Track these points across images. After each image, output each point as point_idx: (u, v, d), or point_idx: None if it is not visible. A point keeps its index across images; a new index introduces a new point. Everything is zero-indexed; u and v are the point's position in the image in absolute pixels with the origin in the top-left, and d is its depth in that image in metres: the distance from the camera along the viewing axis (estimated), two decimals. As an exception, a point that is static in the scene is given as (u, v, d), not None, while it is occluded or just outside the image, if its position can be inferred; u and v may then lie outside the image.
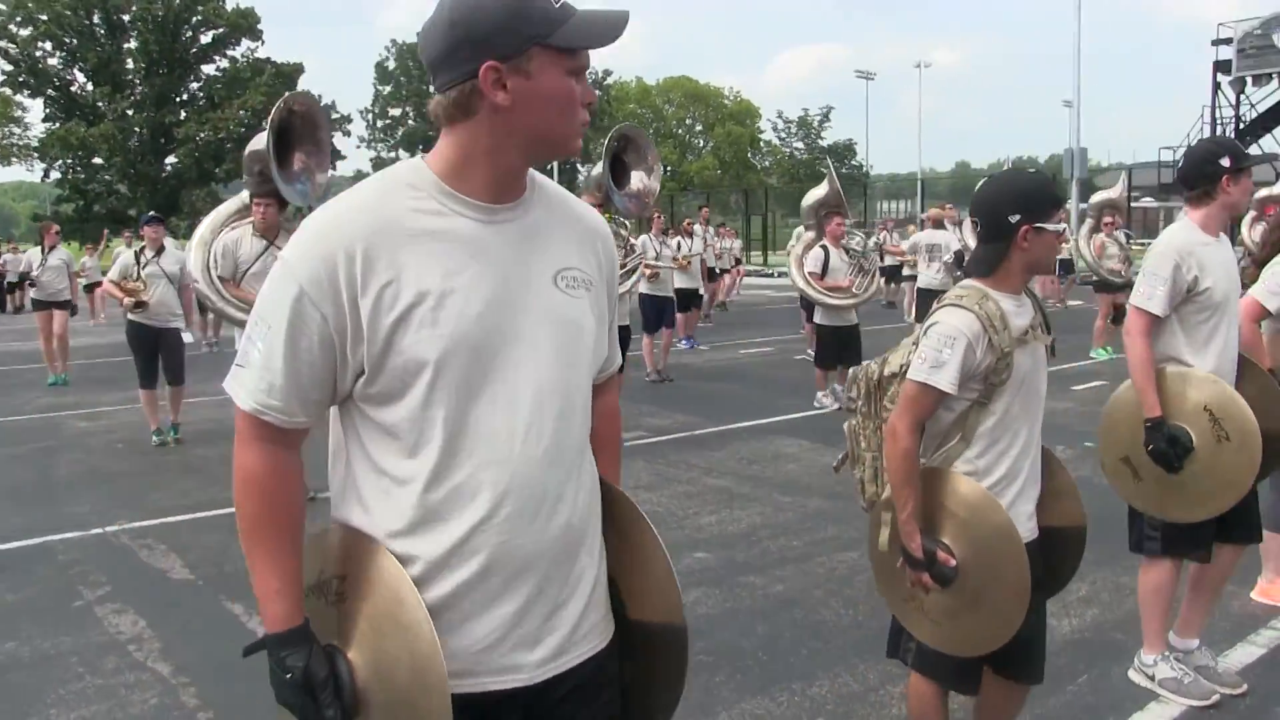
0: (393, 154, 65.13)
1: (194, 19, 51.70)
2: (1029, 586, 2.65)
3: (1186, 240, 3.67)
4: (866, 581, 5.20)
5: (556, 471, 1.71)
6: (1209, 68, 31.90)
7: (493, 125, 1.62)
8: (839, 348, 9.99)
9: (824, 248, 10.04)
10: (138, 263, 8.83)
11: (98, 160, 49.18)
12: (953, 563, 2.72)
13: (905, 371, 2.84)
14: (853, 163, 69.24)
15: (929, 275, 12.25)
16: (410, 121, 64.16)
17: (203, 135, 49.60)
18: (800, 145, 72.75)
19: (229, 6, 52.49)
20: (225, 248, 6.64)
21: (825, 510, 6.53)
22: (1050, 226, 2.75)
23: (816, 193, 10.31)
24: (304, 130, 6.75)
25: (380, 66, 64.74)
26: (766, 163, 76.99)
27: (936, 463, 2.81)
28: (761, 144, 77.20)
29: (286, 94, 6.73)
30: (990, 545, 2.69)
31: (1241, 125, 31.54)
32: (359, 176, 65.14)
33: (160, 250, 8.96)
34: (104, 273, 21.18)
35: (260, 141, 6.76)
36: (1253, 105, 31.74)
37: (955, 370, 2.68)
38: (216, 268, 6.60)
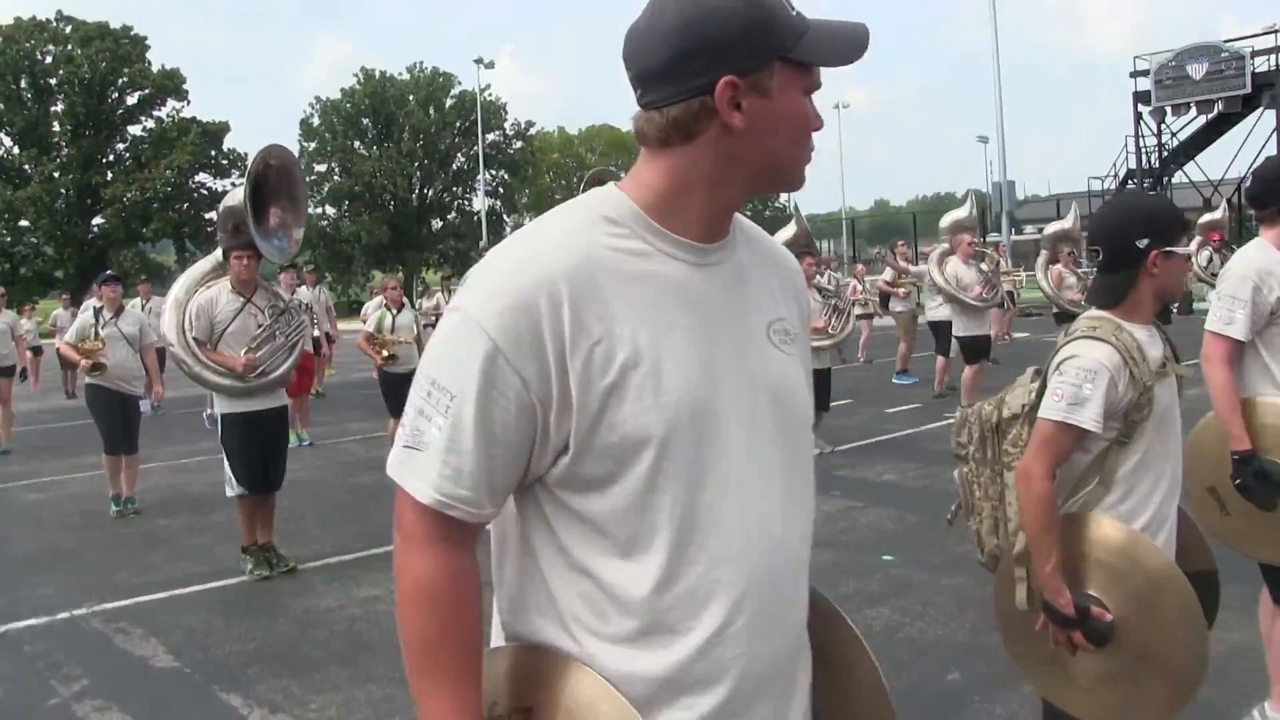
0: (318, 209, 64.36)
1: (120, 80, 51.22)
2: (1205, 632, 2.41)
3: (1265, 260, 3.46)
4: (907, 640, 4.93)
5: (790, 563, 1.41)
6: (1112, 101, 33.40)
7: (719, 151, 1.33)
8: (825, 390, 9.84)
9: (798, 288, 9.85)
10: (96, 323, 8.36)
11: (24, 223, 48.21)
12: (1108, 617, 2.45)
13: (1028, 413, 2.60)
14: (776, 204, 70.24)
15: (938, 310, 12.51)
16: (335, 177, 63.54)
17: (130, 195, 48.97)
18: (723, 188, 73.44)
19: (155, 68, 51.99)
20: (200, 308, 6.23)
21: (839, 563, 6.25)
22: (1180, 250, 2.54)
23: (785, 233, 10.10)
24: (280, 184, 6.41)
25: (305, 123, 64.07)
26: (693, 207, 77.73)
27: (1074, 510, 2.56)
28: (686, 189, 77.98)
29: (264, 147, 6.39)
30: (1150, 593, 2.43)
31: (1165, 153, 32.41)
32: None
33: (119, 311, 8.53)
34: (42, 336, 20.61)
35: (236, 197, 6.41)
36: (1174, 134, 32.61)
37: (1098, 407, 2.45)
38: (192, 329, 6.19)
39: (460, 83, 63.91)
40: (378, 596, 5.88)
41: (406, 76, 64.33)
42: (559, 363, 1.27)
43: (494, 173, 63.20)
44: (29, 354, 16.79)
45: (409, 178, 63.36)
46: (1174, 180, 33.46)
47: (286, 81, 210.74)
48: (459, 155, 64.38)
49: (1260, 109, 30.42)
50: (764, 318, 1.44)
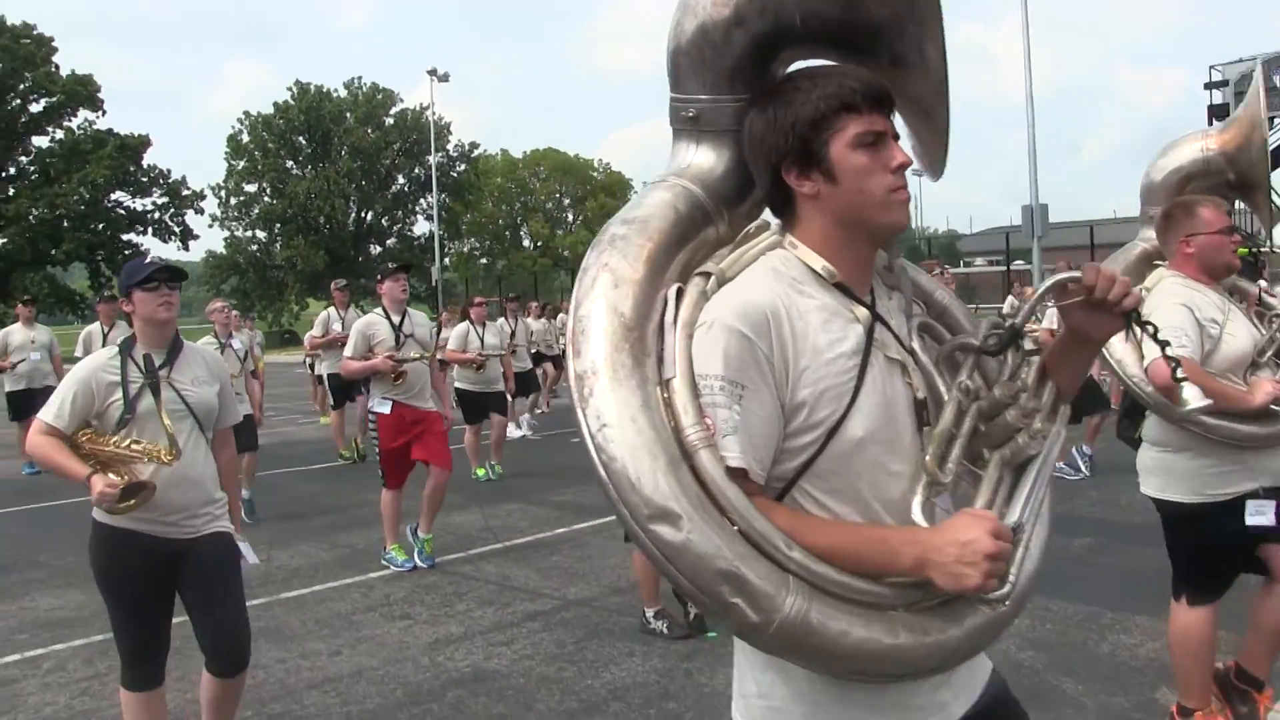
0: (248, 233, 58.92)
1: (21, 85, 45.22)
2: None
3: None
4: None
5: None
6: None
7: None
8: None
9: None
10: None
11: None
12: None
13: None
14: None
15: None
16: (266, 198, 58.10)
17: (36, 212, 42.92)
18: (673, 216, 70.73)
19: (64, 73, 46.17)
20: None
21: None
22: None
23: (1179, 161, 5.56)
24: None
25: (233, 139, 58.44)
26: (643, 235, 74.61)
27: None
28: (636, 216, 75.01)
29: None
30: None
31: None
32: (211, 259, 58.36)
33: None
34: None
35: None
36: (1249, 150, 29.31)
37: None
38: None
39: (402, 100, 59.31)
40: None
41: (344, 93, 59.41)
42: None
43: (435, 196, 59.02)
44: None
45: (346, 199, 58.49)
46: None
47: (200, 102, 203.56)
48: (400, 176, 59.77)
49: (1358, 123, 27.15)
50: None
